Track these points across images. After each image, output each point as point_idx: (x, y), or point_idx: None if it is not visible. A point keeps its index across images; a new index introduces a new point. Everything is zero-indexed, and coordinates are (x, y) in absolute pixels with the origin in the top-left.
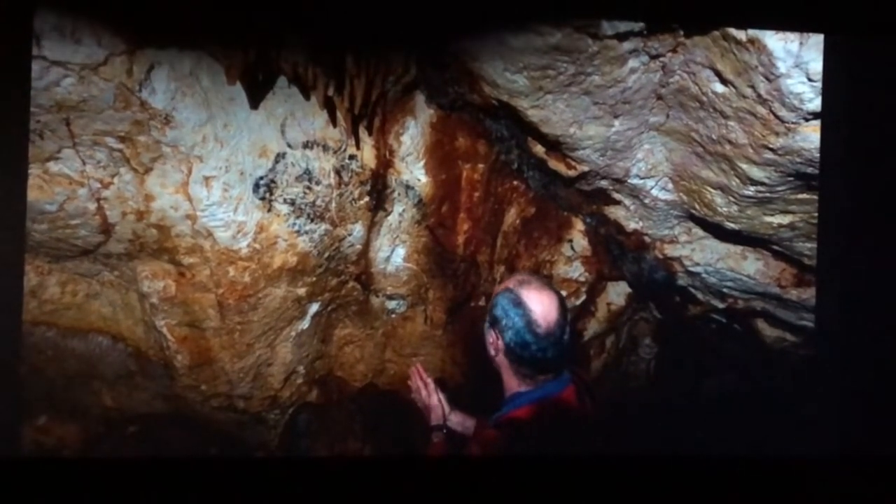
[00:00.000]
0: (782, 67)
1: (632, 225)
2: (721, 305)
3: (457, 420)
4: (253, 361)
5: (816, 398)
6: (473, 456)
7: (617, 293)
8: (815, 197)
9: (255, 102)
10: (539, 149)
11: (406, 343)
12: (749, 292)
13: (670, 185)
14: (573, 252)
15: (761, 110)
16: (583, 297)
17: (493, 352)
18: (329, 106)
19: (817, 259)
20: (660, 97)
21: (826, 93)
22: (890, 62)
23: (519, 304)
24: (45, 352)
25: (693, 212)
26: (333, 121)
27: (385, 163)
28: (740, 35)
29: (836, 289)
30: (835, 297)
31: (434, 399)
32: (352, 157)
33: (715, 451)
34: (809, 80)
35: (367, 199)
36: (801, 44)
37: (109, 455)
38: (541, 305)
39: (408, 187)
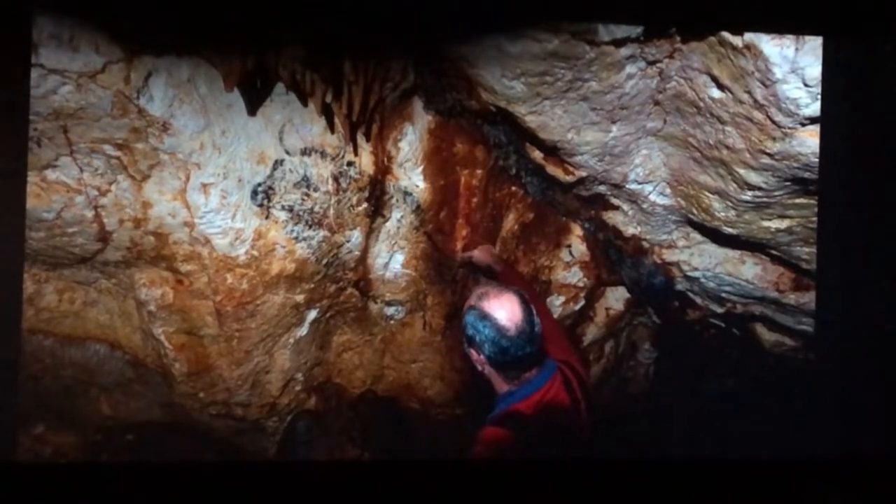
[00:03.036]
0: (778, 73)
1: (630, 230)
2: (720, 310)
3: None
4: (251, 368)
5: (816, 402)
6: (474, 460)
7: (616, 298)
8: (813, 201)
9: (252, 109)
10: (537, 154)
11: (405, 349)
12: (747, 297)
13: (668, 190)
14: (572, 257)
15: (758, 115)
16: (581, 303)
17: (479, 367)
18: (327, 112)
19: (817, 263)
20: (657, 103)
21: (825, 96)
22: (888, 65)
23: (484, 317)
24: (42, 360)
25: (691, 217)
26: (331, 127)
27: (383, 169)
28: (736, 41)
29: (835, 293)
30: (834, 300)
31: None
32: (350, 163)
33: (714, 455)
34: (806, 85)
35: (365, 205)
36: (796, 49)
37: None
38: (503, 310)
39: (406, 193)
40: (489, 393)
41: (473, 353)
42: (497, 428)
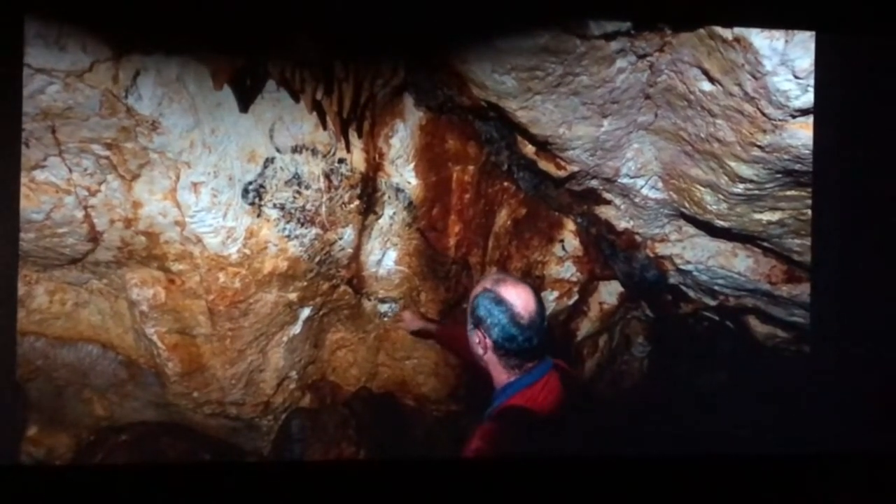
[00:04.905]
0: (768, 65)
1: (623, 224)
2: (712, 303)
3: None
4: (245, 367)
5: (809, 394)
6: (470, 457)
7: (609, 292)
8: (804, 193)
9: (243, 106)
10: (529, 149)
11: (399, 346)
12: (740, 289)
13: (660, 184)
14: (565, 252)
15: (748, 108)
16: (575, 297)
17: (481, 351)
18: (318, 109)
19: (811, 255)
20: (648, 96)
21: (818, 89)
22: (880, 58)
23: (500, 301)
24: (34, 362)
25: (683, 210)
26: (323, 124)
27: (375, 166)
28: (726, 34)
29: (830, 285)
30: (829, 293)
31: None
32: (341, 160)
33: (708, 448)
34: (796, 77)
35: (357, 202)
36: (786, 41)
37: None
38: (520, 299)
39: (398, 190)
40: (484, 389)
41: (479, 335)
42: (497, 422)
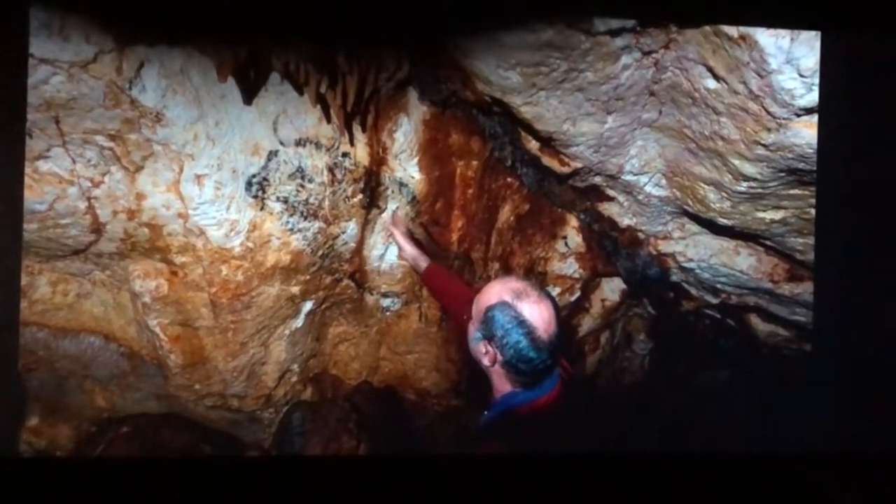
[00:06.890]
0: (773, 63)
1: (625, 221)
2: (714, 301)
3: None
4: (247, 360)
5: (810, 393)
6: (469, 454)
7: (611, 289)
8: (807, 192)
9: (248, 98)
10: (533, 145)
11: (401, 341)
12: (742, 287)
13: (663, 182)
14: (567, 248)
15: (753, 106)
16: (577, 294)
17: (487, 362)
18: (322, 103)
19: (815, 254)
20: (652, 93)
21: (823, 88)
22: (885, 58)
23: (521, 322)
24: (35, 353)
25: (686, 208)
26: (327, 117)
27: (378, 160)
28: (732, 31)
29: (833, 284)
30: (832, 292)
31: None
32: (345, 154)
33: (709, 446)
34: (801, 75)
35: (360, 196)
36: (792, 40)
37: (103, 455)
38: (542, 320)
39: (401, 184)
40: (486, 385)
41: (489, 348)
42: (501, 432)
